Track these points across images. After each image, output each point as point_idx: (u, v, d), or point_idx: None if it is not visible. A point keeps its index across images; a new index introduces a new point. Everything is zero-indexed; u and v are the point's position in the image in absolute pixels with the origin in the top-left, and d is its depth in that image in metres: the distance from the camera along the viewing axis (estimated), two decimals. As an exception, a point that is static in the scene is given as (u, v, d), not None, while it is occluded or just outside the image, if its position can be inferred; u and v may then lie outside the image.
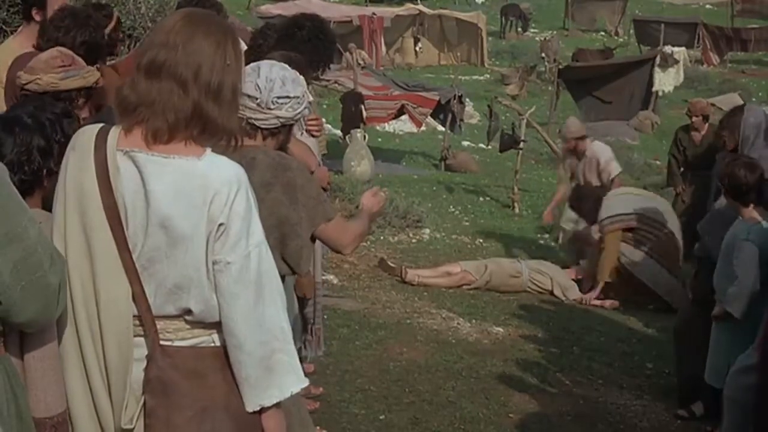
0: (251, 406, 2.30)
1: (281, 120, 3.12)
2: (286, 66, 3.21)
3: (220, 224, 2.20)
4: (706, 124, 9.70)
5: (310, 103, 3.38)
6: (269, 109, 3.07)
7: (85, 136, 2.31)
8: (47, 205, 2.42)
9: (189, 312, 2.25)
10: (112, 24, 4.78)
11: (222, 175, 2.23)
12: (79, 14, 4.39)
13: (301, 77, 3.24)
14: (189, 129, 2.24)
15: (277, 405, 2.33)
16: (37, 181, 2.52)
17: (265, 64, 3.17)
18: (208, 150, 2.26)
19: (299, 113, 3.17)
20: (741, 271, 4.95)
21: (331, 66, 8.82)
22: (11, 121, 2.57)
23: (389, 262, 8.45)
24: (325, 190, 4.86)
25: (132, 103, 2.24)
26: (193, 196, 2.20)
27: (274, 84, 3.07)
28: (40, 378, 2.23)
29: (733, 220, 5.17)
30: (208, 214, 2.20)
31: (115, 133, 2.28)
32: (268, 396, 2.30)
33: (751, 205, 5.04)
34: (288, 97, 3.10)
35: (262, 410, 2.31)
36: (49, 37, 4.69)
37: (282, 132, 3.17)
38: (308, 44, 4.65)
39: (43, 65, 3.30)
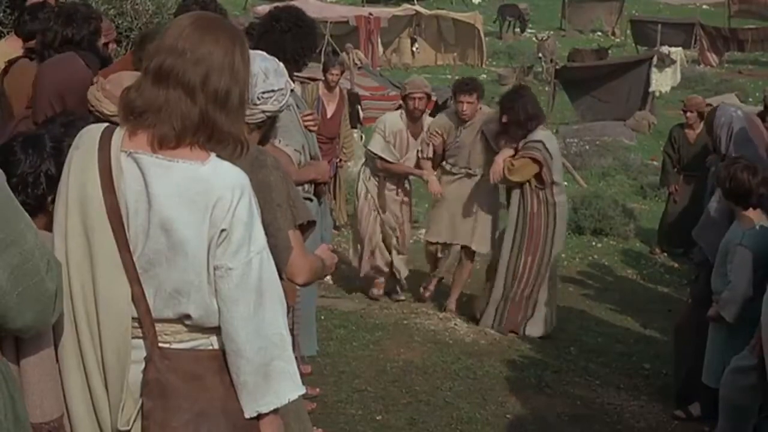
0: (248, 412, 2.30)
1: (267, 114, 3.10)
2: (266, 56, 3.18)
3: (223, 230, 2.20)
4: (702, 123, 9.63)
5: (293, 90, 3.35)
6: (255, 104, 3.05)
7: (90, 135, 2.30)
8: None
9: (188, 317, 2.25)
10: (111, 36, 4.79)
11: (225, 181, 2.22)
12: (64, 10, 4.39)
13: (282, 65, 3.22)
14: (196, 136, 2.23)
15: (275, 411, 2.33)
16: (40, 207, 2.51)
17: None
18: (213, 155, 2.25)
19: (284, 105, 3.16)
20: (734, 276, 4.96)
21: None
22: (31, 141, 2.54)
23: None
24: (325, 184, 4.87)
25: (138, 107, 2.22)
26: (195, 201, 2.19)
27: (257, 79, 3.03)
28: (36, 383, 2.22)
29: (727, 223, 5.18)
30: (211, 219, 2.19)
31: (119, 134, 2.27)
32: (266, 402, 2.30)
33: (751, 209, 5.03)
34: (272, 90, 3.07)
35: (260, 416, 2.31)
36: (30, 31, 4.68)
37: (267, 124, 3.16)
38: (288, 34, 4.66)
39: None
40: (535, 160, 6.84)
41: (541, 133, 6.99)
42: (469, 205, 7.48)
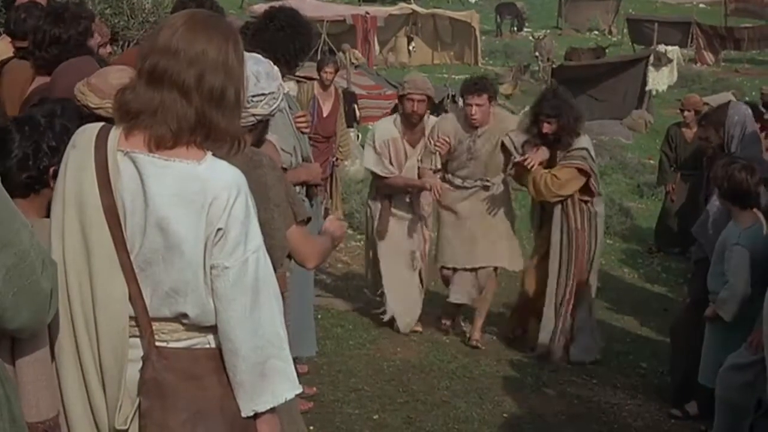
0: (245, 411, 2.30)
1: (258, 117, 3.08)
2: (260, 58, 3.15)
3: (219, 229, 2.19)
4: None
5: (287, 93, 3.33)
6: (245, 108, 3.02)
7: (86, 134, 2.29)
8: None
9: (185, 316, 2.25)
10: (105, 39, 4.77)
11: (222, 180, 2.21)
12: (53, 9, 4.37)
13: (276, 68, 3.20)
14: (193, 136, 2.22)
15: (272, 410, 2.33)
16: (44, 180, 2.53)
17: None
18: (209, 154, 2.24)
19: (275, 108, 3.14)
20: (732, 276, 4.94)
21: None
22: (24, 120, 2.58)
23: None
24: (317, 186, 4.87)
25: (134, 108, 2.22)
26: (192, 200, 2.19)
27: (248, 82, 2.97)
28: (31, 382, 2.21)
29: (727, 222, 5.16)
30: (207, 218, 2.19)
31: (115, 133, 2.26)
32: (262, 401, 2.30)
33: (748, 208, 5.02)
34: (263, 94, 3.05)
35: (256, 415, 2.32)
36: (21, 31, 4.65)
37: (259, 127, 3.14)
38: (282, 32, 4.66)
39: (113, 90, 3.14)
40: (581, 170, 6.12)
41: (584, 139, 6.22)
42: (487, 221, 6.56)
